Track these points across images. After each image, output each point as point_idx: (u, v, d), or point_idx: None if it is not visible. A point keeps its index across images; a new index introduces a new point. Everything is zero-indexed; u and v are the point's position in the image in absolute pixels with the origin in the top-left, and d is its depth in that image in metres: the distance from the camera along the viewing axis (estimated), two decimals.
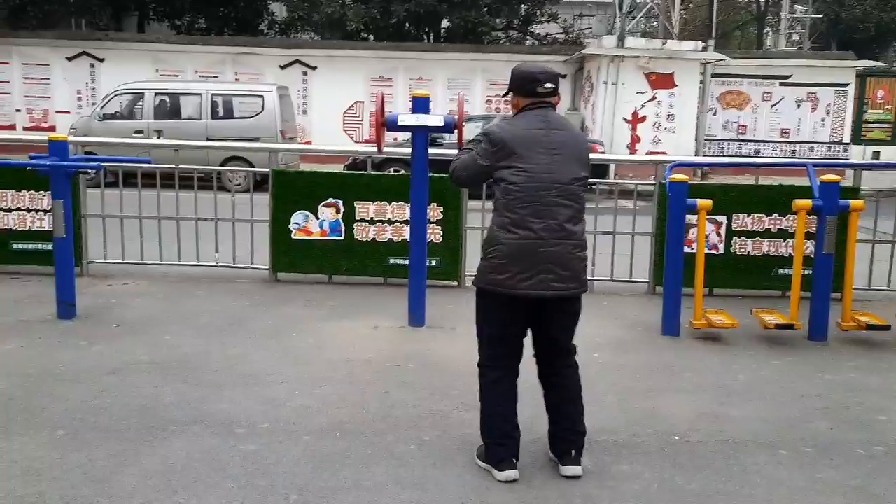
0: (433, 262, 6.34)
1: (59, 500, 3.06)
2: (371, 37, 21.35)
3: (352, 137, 18.67)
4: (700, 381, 4.58)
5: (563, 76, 18.07)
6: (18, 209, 6.59)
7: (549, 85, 3.30)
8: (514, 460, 3.32)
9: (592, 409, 4.07)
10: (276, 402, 4.07)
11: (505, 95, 3.57)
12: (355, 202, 6.54)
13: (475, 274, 3.36)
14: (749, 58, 19.37)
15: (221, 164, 12.65)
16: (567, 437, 3.37)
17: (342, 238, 6.57)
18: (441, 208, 6.46)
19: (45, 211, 6.50)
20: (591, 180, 8.31)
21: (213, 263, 6.82)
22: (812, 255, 5.63)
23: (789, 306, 5.41)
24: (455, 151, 5.45)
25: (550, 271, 3.18)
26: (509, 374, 3.37)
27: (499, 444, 3.32)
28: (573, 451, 3.35)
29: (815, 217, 5.44)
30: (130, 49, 18.38)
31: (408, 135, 5.68)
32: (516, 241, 3.18)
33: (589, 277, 6.51)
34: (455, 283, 6.58)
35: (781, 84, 18.74)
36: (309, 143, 17.69)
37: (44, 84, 18.42)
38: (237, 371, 4.51)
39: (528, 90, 3.32)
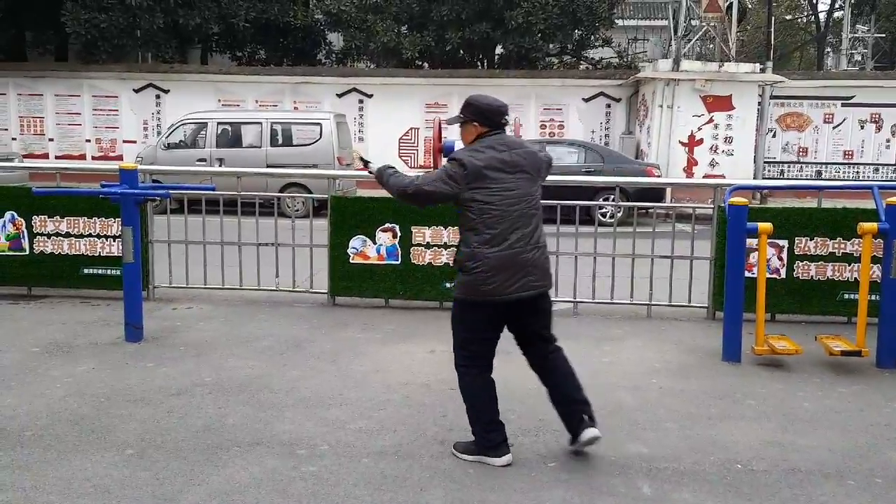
0: None
1: None
2: (426, 64, 21.61)
3: (407, 163, 18.87)
4: (763, 408, 4.49)
5: (618, 100, 17.62)
6: (90, 235, 6.85)
7: (507, 116, 3.75)
8: (509, 444, 3.68)
9: (652, 436, 4.04)
10: (335, 424, 4.13)
11: (461, 123, 3.75)
12: (412, 227, 6.62)
13: (457, 287, 3.65)
14: (809, 79, 19.00)
15: (281, 191, 12.90)
16: (575, 408, 3.70)
17: (399, 262, 6.66)
18: None
19: (115, 237, 6.75)
20: (647, 204, 8.28)
21: (274, 287, 6.97)
22: (879, 280, 5.49)
23: (855, 332, 5.28)
24: None
25: (531, 273, 3.58)
26: (487, 371, 3.72)
27: (490, 429, 3.65)
28: (585, 416, 3.68)
29: (882, 240, 5.30)
30: (194, 80, 18.99)
31: None
32: (500, 253, 3.54)
33: (647, 302, 6.58)
34: None
35: (844, 105, 18.31)
36: None
37: (112, 115, 19.13)
38: (297, 393, 4.59)
39: (495, 122, 3.68)
